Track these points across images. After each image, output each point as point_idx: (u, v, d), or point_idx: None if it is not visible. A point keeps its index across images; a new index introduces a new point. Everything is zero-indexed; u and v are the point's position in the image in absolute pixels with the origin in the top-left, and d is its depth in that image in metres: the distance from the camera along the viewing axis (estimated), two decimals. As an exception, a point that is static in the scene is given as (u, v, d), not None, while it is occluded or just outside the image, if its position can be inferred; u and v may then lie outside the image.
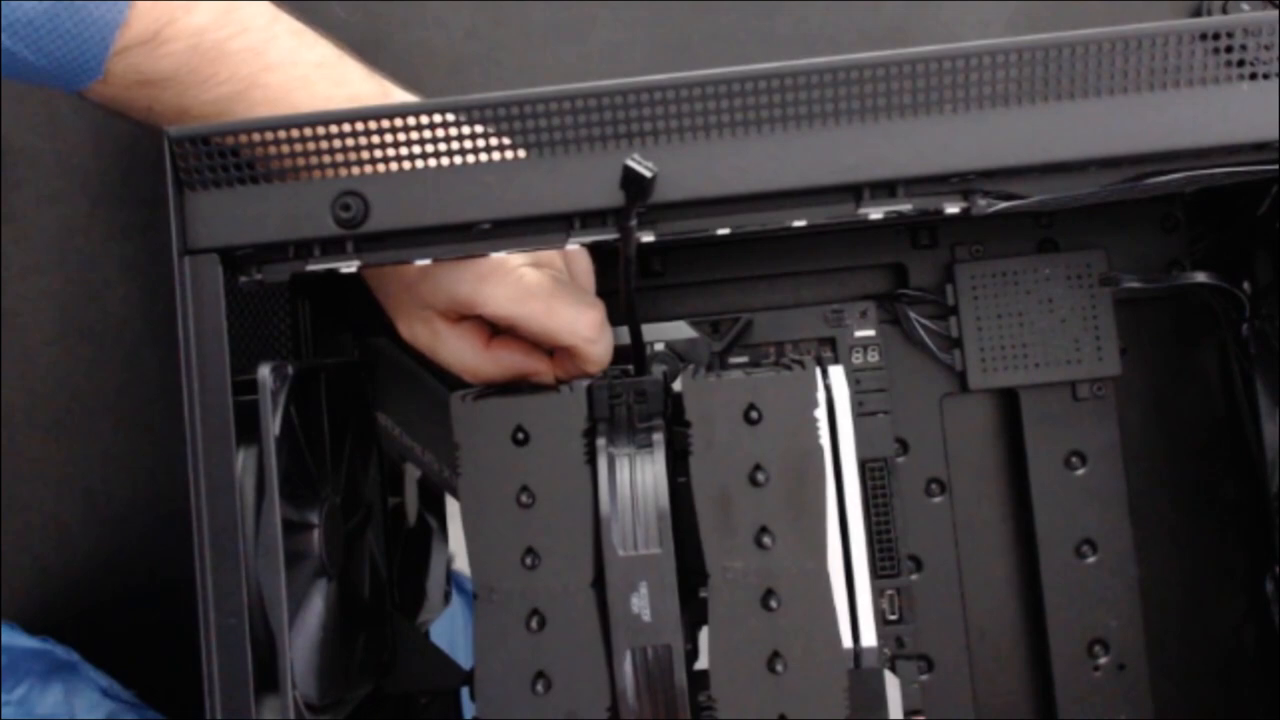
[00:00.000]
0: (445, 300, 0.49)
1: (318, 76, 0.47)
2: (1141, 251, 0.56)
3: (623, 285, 0.45)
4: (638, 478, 0.45)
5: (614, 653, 0.44)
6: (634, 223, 0.41)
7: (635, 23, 0.58)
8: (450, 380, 0.54)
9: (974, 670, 0.57)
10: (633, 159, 0.39)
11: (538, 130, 0.40)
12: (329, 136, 0.41)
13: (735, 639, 0.44)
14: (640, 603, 0.43)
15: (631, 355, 0.51)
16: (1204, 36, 0.40)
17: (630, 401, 0.46)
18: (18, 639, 0.52)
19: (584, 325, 0.49)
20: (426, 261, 0.46)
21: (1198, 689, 0.56)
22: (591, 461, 0.45)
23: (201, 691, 0.40)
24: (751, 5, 0.58)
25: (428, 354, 0.51)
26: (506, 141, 0.41)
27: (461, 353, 0.50)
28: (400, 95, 0.49)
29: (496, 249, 0.43)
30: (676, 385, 0.49)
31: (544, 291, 0.48)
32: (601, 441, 0.45)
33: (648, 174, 0.39)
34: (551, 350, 0.51)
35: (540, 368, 0.51)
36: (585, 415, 0.45)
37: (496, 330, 0.51)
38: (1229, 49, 0.40)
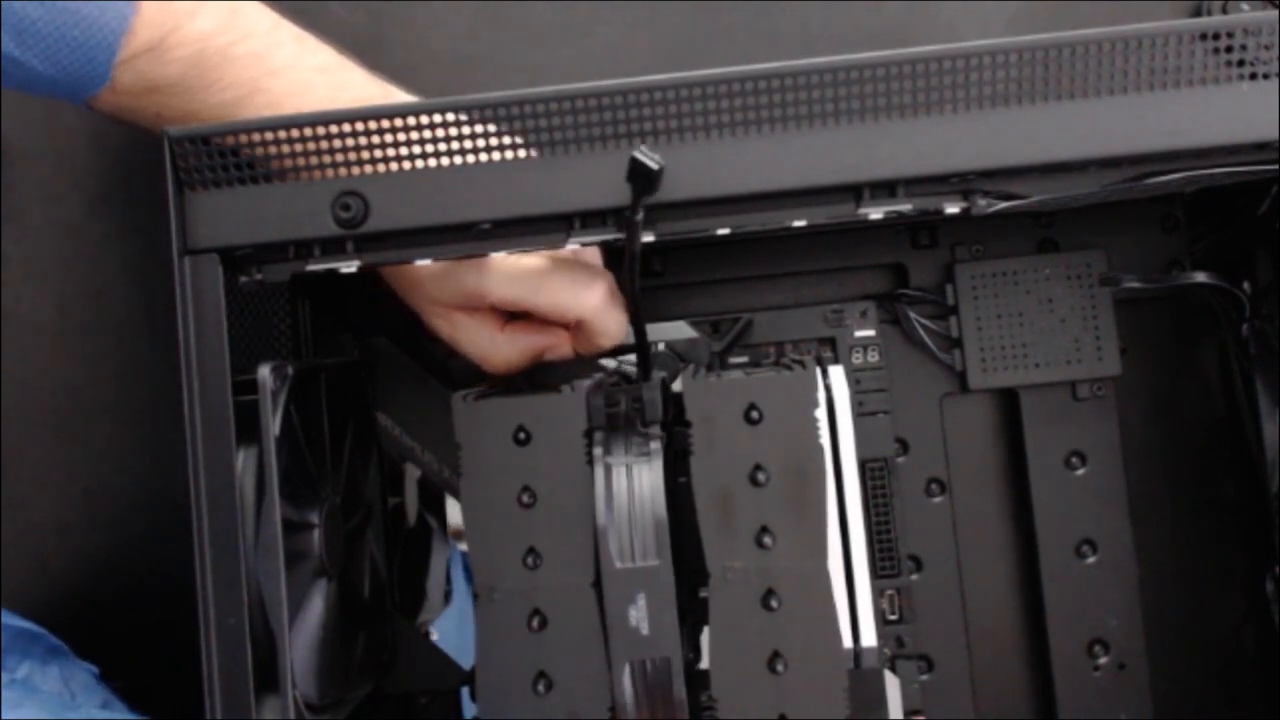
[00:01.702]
0: (455, 295, 0.50)
1: (320, 81, 0.47)
2: (1141, 251, 0.56)
3: (628, 282, 0.44)
4: (635, 487, 0.45)
5: (612, 665, 0.43)
6: (640, 217, 0.41)
7: (636, 23, 0.58)
8: (450, 380, 0.54)
9: (974, 670, 0.57)
10: (640, 151, 0.39)
11: (538, 130, 0.40)
12: (328, 137, 0.41)
13: (736, 639, 0.44)
14: (638, 615, 0.43)
15: (636, 352, 0.51)
16: (1204, 36, 0.40)
17: (628, 409, 0.46)
18: (10, 619, 0.52)
19: (590, 296, 0.49)
20: (427, 262, 0.46)
21: (1198, 689, 0.56)
22: (593, 462, 0.45)
23: (201, 691, 0.40)
24: (751, 5, 0.58)
25: (451, 345, 0.52)
26: (507, 141, 0.41)
27: (480, 340, 0.51)
28: (403, 99, 0.49)
29: (497, 249, 0.43)
30: (677, 385, 0.49)
31: (544, 269, 0.49)
32: (599, 451, 0.45)
33: (655, 166, 0.39)
34: (568, 328, 0.51)
35: (556, 341, 0.51)
36: (587, 415, 0.45)
37: (512, 317, 0.51)
38: (1229, 49, 0.40)
